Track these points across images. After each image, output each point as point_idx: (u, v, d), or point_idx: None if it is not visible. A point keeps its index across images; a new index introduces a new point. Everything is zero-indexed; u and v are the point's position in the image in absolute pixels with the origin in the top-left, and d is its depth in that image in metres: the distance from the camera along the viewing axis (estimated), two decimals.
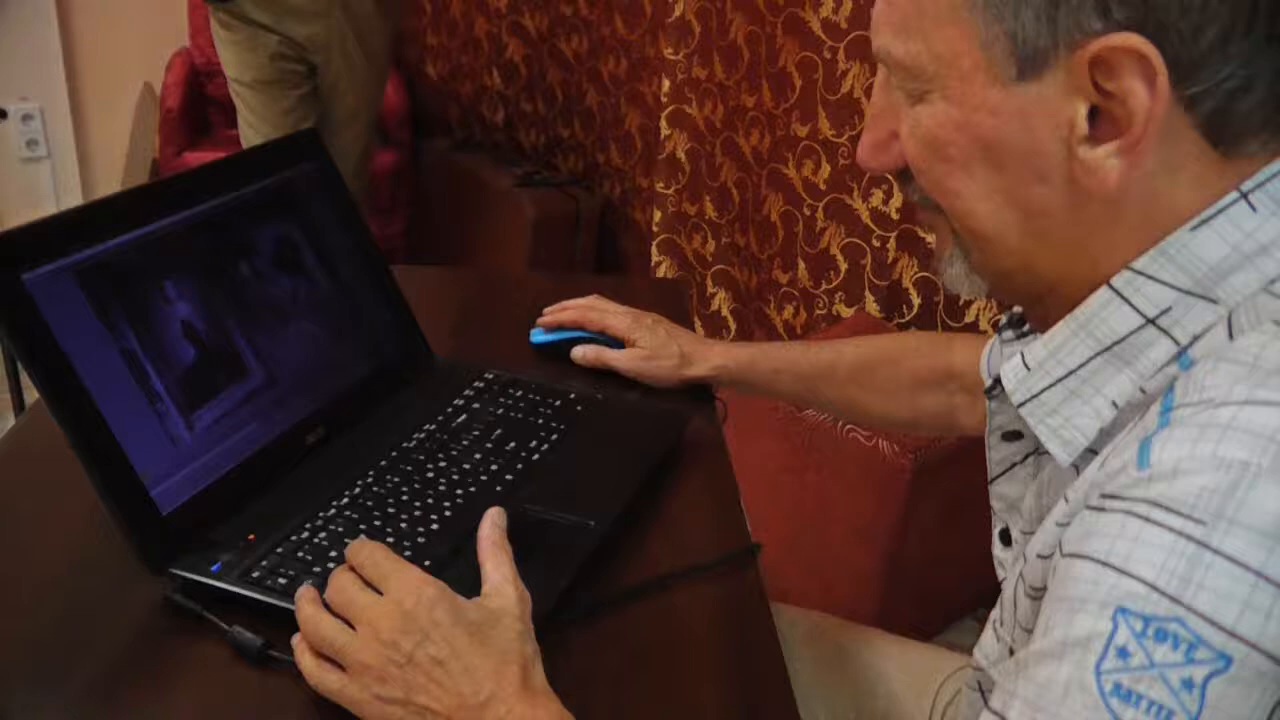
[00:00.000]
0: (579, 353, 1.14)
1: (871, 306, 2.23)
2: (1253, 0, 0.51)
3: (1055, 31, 0.54)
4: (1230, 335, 0.54)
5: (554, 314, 1.18)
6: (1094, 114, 0.55)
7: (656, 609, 0.82)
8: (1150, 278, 0.57)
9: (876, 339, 1.14)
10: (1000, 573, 0.75)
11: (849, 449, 1.82)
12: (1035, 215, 0.59)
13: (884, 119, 0.63)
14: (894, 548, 1.82)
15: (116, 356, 0.80)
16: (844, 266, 2.28)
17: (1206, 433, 0.49)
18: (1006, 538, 0.74)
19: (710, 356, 1.11)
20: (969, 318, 2.07)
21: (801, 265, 2.35)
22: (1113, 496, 0.51)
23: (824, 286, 2.33)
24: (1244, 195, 0.55)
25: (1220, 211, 0.55)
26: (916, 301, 2.18)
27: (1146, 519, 0.49)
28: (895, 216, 2.14)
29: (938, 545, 1.85)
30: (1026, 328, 0.74)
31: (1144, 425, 0.53)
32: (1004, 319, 0.72)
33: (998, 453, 0.73)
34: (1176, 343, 0.56)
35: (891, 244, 2.16)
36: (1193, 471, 0.48)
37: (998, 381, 0.65)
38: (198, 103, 3.25)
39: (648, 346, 1.12)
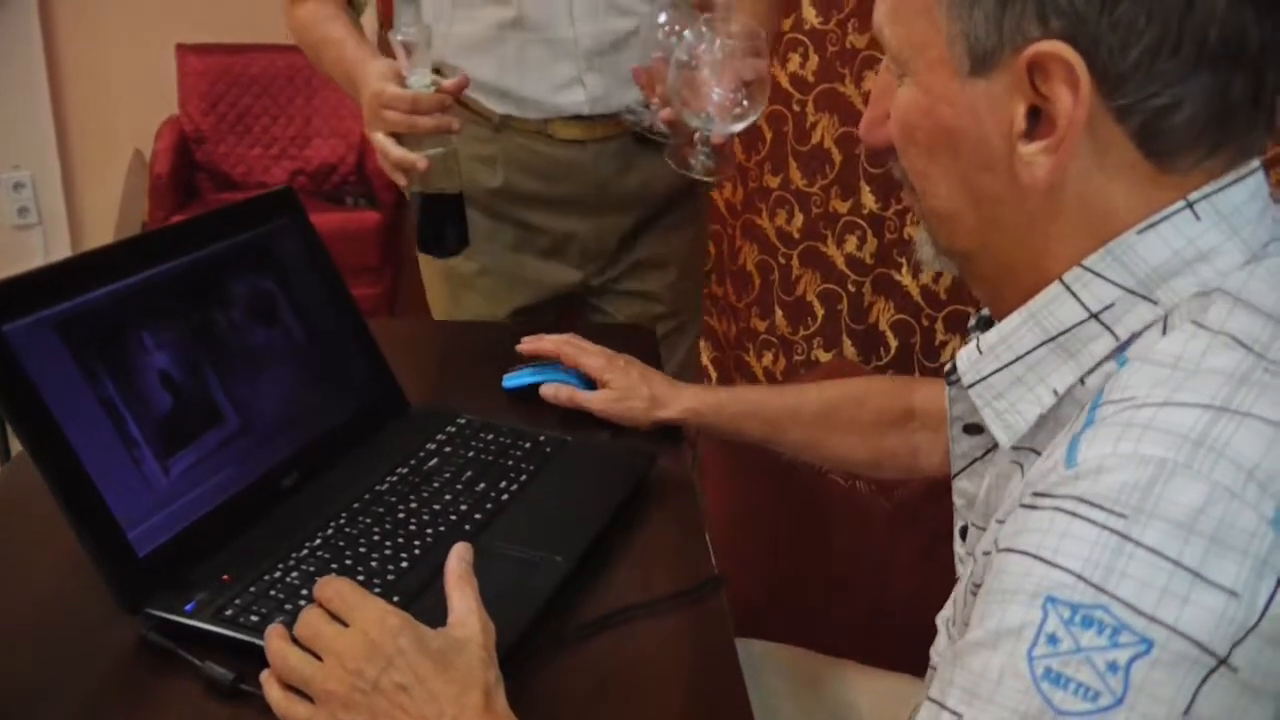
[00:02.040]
0: (549, 390, 1.17)
1: (849, 350, 2.27)
2: (1178, 26, 0.55)
3: (1001, 34, 0.58)
4: (1164, 336, 0.58)
5: (532, 344, 1.21)
6: (1036, 114, 0.59)
7: (621, 639, 0.84)
8: (1097, 275, 0.60)
9: (842, 381, 1.17)
10: (959, 569, 0.77)
11: (826, 491, 1.84)
12: (986, 202, 0.63)
13: (882, 99, 0.68)
14: (874, 588, 1.84)
15: (95, 405, 0.82)
16: (820, 312, 2.31)
17: (1128, 432, 0.53)
18: (965, 534, 0.77)
19: (681, 399, 1.14)
20: (944, 357, 2.10)
21: (779, 312, 2.39)
22: (1043, 494, 0.54)
23: (802, 332, 2.36)
24: (1190, 205, 0.59)
25: (1166, 218, 0.59)
26: (894, 344, 2.22)
27: (1074, 514, 0.52)
28: (869, 261, 2.18)
29: (919, 584, 1.86)
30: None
31: (1076, 424, 0.57)
32: (973, 320, 0.75)
33: (959, 447, 0.76)
34: (1116, 338, 0.60)
35: (867, 288, 2.20)
36: (1115, 468, 0.52)
37: (955, 367, 0.68)
38: (187, 168, 3.31)
39: (619, 388, 1.14)
